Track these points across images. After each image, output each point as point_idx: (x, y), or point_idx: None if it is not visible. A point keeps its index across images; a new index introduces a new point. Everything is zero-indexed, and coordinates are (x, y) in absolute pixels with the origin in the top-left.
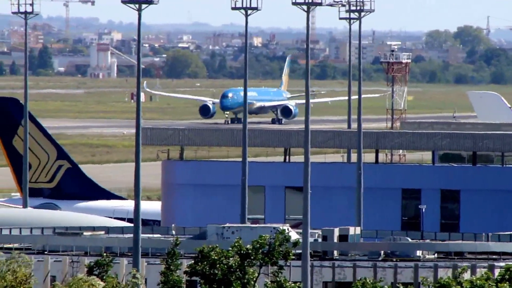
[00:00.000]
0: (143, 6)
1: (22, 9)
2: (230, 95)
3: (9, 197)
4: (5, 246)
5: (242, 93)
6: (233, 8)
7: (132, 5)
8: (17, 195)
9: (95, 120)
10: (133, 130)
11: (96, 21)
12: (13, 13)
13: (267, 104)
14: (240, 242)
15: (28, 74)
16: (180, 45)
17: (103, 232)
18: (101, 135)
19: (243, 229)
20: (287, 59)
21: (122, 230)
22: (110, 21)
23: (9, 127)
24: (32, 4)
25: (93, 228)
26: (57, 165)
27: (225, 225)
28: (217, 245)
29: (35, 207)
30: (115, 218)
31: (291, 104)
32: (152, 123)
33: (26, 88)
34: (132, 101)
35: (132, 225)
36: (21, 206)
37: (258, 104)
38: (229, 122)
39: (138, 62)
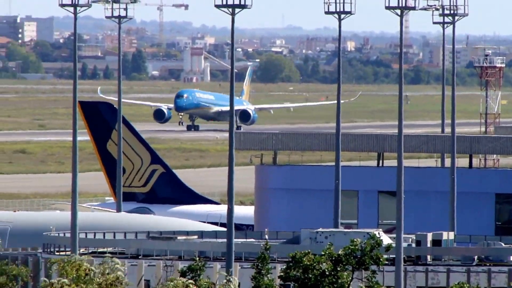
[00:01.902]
0: (237, 10)
1: (116, 14)
2: (185, 95)
3: (103, 202)
4: (99, 250)
5: (197, 94)
6: (326, 13)
7: (225, 9)
8: (111, 199)
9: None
10: (227, 134)
11: (189, 25)
12: (107, 17)
13: (225, 109)
14: (332, 248)
15: (122, 79)
16: (273, 49)
17: (196, 237)
18: (194, 140)
19: (336, 234)
20: (249, 69)
21: (215, 234)
22: (203, 25)
23: (103, 132)
24: (126, 9)
25: (187, 233)
26: (150, 169)
27: (318, 230)
28: (309, 250)
29: (129, 212)
30: (208, 222)
31: (250, 108)
32: (245, 127)
33: (120, 93)
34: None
35: (225, 229)
36: (115, 211)
37: (216, 108)
38: (183, 123)
39: (232, 66)
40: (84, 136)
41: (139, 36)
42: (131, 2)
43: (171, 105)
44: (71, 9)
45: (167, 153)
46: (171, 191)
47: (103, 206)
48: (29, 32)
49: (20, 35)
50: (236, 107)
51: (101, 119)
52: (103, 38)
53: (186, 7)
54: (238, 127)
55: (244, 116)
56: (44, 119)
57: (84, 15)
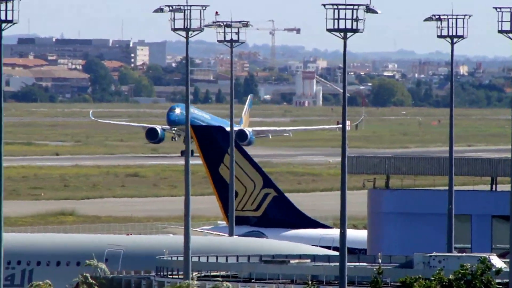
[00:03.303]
0: (349, 34)
1: (228, 38)
2: (177, 110)
3: (216, 225)
4: (211, 273)
5: (191, 109)
6: (438, 37)
7: (337, 33)
8: (223, 223)
9: (301, 148)
10: (339, 159)
11: (301, 49)
12: (219, 41)
13: None
14: (442, 273)
15: (234, 103)
16: (385, 73)
17: (309, 260)
18: (307, 163)
19: (449, 258)
20: (249, 98)
21: (328, 258)
22: (315, 49)
23: (216, 156)
24: (238, 33)
25: (300, 256)
26: (263, 193)
27: (432, 254)
28: (422, 274)
29: (241, 235)
30: (321, 246)
31: (248, 129)
32: (357, 151)
33: (232, 117)
34: (338, 129)
35: (338, 253)
36: (228, 234)
37: None
38: (176, 139)
39: (344, 90)
40: (196, 160)
41: (251, 60)
42: (243, 26)
43: (167, 126)
44: (183, 33)
45: (280, 177)
46: (283, 214)
47: (215, 230)
48: (142, 56)
49: (132, 59)
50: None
51: (213, 143)
52: (215, 62)
53: (298, 31)
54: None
55: (241, 136)
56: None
57: (196, 39)
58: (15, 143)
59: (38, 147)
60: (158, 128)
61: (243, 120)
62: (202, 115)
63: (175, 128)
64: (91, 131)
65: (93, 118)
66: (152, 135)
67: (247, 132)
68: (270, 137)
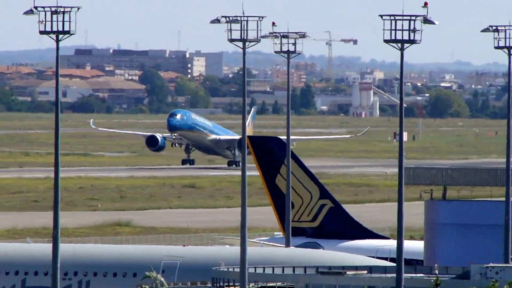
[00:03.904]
0: (406, 45)
1: (284, 49)
2: (178, 115)
3: (272, 236)
4: (268, 285)
5: (193, 116)
6: (496, 47)
7: (394, 44)
8: (280, 234)
9: (358, 159)
10: (396, 170)
11: (358, 60)
12: (276, 52)
13: (222, 137)
14: (496, 284)
15: (291, 113)
16: (442, 84)
17: (365, 272)
18: (363, 175)
19: (506, 269)
20: (252, 109)
21: (384, 269)
22: (372, 60)
23: (272, 166)
24: (294, 44)
25: (356, 268)
26: (319, 204)
27: (489, 265)
28: (478, 286)
29: (298, 246)
30: (377, 257)
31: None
32: (414, 162)
33: (288, 128)
34: (395, 140)
35: (395, 264)
36: (284, 245)
37: (213, 136)
38: (176, 145)
39: (401, 101)
40: (253, 171)
41: (308, 71)
42: (300, 37)
43: (167, 134)
44: (240, 44)
45: (336, 188)
46: (340, 226)
47: (272, 241)
48: (198, 67)
49: (189, 70)
50: (231, 136)
51: (270, 153)
52: (272, 73)
53: (355, 42)
54: (237, 163)
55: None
56: None
57: (253, 50)
58: (72, 154)
59: (94, 158)
60: (159, 136)
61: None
62: (204, 122)
63: (175, 134)
64: None
65: (93, 126)
66: (152, 143)
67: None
68: None
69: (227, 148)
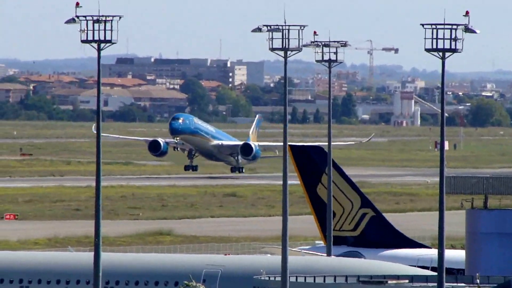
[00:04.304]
0: (447, 54)
1: (326, 58)
2: (181, 119)
3: (313, 245)
4: None
5: (195, 120)
6: None
7: (435, 53)
8: (321, 243)
9: (399, 168)
10: (437, 179)
11: (399, 69)
12: (317, 61)
13: (225, 143)
14: None
15: (332, 122)
16: (483, 93)
17: (407, 281)
18: (405, 184)
19: None
20: (256, 117)
21: (426, 278)
22: (413, 69)
23: (313, 175)
24: (336, 53)
25: (397, 277)
26: (361, 213)
27: None
28: None
29: (339, 255)
30: (419, 266)
31: (254, 143)
32: (455, 171)
33: (330, 136)
34: (436, 149)
35: (436, 273)
36: (325, 254)
37: (215, 141)
38: (178, 149)
39: (442, 110)
40: (294, 180)
41: (349, 80)
42: (341, 46)
43: (170, 140)
44: (281, 53)
45: (377, 196)
46: (381, 234)
47: (313, 250)
48: (239, 76)
49: (230, 79)
50: (234, 142)
51: (311, 162)
52: (313, 81)
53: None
54: (241, 169)
55: (246, 149)
56: None
57: (294, 58)
58: (114, 163)
59: (136, 166)
60: (161, 140)
61: (250, 139)
62: (206, 127)
63: (177, 138)
64: None
65: (94, 132)
66: (154, 148)
67: (253, 146)
68: (277, 152)
69: (230, 154)
